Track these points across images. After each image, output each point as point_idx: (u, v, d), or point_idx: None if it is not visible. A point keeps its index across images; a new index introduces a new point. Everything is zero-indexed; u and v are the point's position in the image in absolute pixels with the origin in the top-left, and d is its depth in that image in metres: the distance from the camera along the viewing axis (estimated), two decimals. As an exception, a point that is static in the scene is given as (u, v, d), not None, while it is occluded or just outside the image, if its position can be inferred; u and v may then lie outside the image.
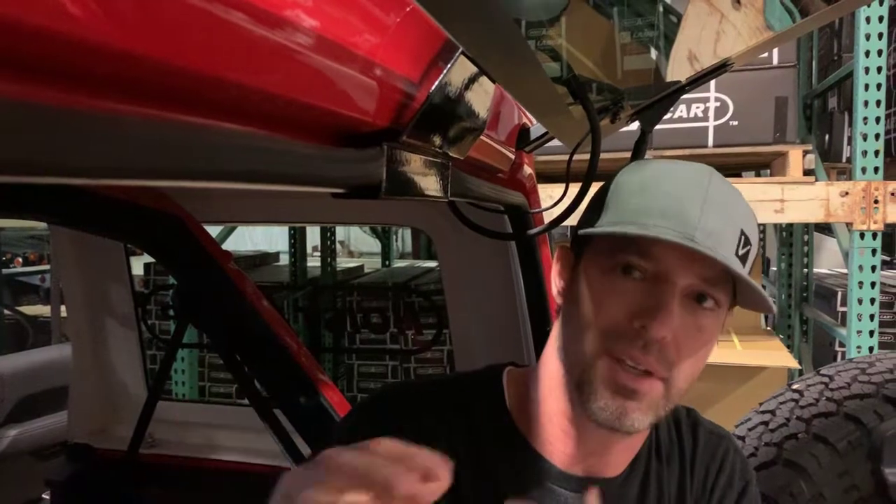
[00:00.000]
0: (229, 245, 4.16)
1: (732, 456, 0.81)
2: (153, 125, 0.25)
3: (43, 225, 5.77)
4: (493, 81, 0.53)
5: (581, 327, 0.67)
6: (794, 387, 1.61)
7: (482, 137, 0.63)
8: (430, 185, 0.53)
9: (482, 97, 0.53)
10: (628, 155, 1.06)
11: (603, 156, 0.86)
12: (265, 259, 4.55)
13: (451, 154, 0.55)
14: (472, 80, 0.49)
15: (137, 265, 2.61)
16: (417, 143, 0.47)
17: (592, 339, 0.66)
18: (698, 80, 0.97)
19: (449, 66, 0.45)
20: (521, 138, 0.94)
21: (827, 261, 4.91)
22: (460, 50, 0.45)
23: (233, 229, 3.96)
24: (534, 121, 1.00)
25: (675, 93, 0.98)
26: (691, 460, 0.79)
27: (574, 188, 0.91)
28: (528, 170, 1.13)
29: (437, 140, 0.50)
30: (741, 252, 0.65)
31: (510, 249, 1.28)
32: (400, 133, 0.44)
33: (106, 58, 0.22)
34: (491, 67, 0.49)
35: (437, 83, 0.44)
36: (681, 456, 0.79)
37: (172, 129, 0.26)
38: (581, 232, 0.70)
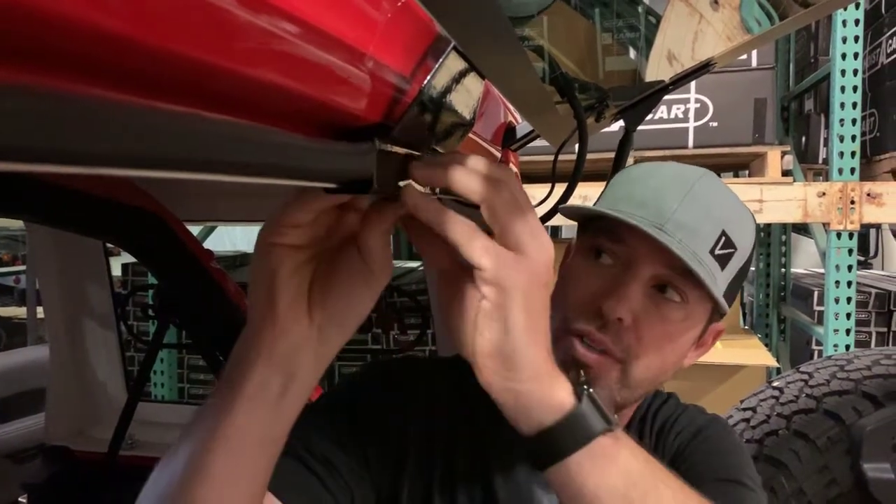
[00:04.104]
0: (208, 245, 4.12)
1: (683, 415, 0.80)
2: (138, 113, 0.24)
3: (17, 224, 5.68)
4: (483, 77, 0.53)
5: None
6: (775, 384, 1.63)
7: (469, 135, 0.63)
8: (420, 181, 0.53)
9: (472, 94, 0.53)
10: (611, 155, 1.07)
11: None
12: (245, 259, 4.51)
13: (439, 150, 0.55)
14: (463, 75, 0.49)
15: (115, 265, 2.57)
16: (408, 139, 0.46)
17: (559, 318, 0.67)
18: (681, 80, 0.98)
19: (440, 61, 0.45)
20: (507, 137, 0.94)
21: (803, 261, 4.98)
22: (452, 45, 0.45)
23: (212, 229, 3.92)
24: (519, 120, 1.00)
25: (658, 92, 0.99)
26: (653, 446, 0.79)
27: (559, 187, 0.91)
28: (513, 168, 1.13)
29: (427, 136, 0.50)
30: (718, 252, 0.66)
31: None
32: (391, 128, 0.43)
33: (90, 43, 0.21)
34: (482, 63, 0.49)
35: (428, 78, 0.44)
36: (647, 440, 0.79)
37: (159, 117, 0.25)
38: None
